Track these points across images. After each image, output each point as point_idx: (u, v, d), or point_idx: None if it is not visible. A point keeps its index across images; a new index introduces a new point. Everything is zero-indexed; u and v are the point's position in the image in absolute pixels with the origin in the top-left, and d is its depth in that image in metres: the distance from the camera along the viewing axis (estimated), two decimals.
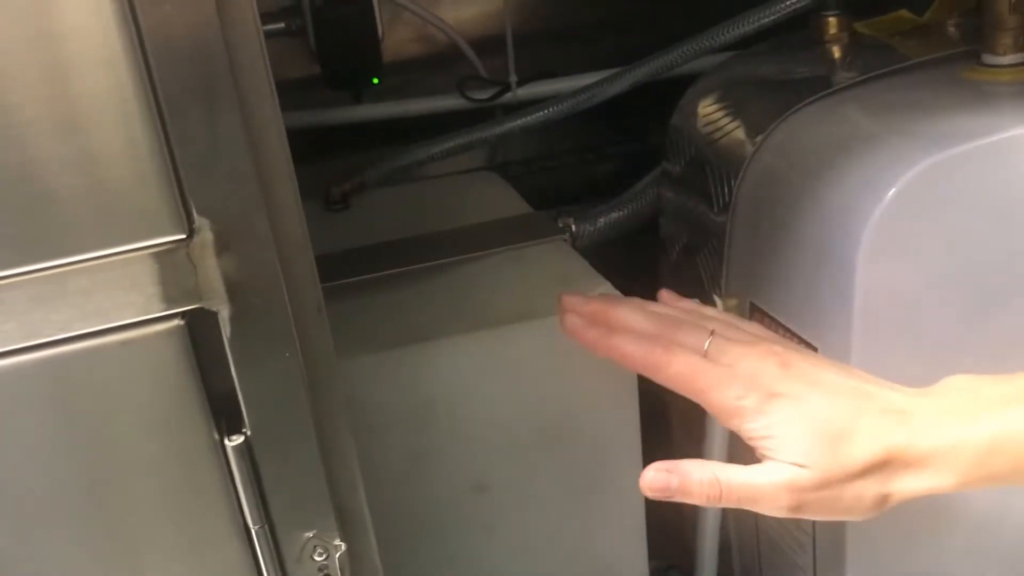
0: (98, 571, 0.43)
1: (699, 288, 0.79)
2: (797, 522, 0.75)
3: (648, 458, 0.71)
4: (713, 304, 0.70)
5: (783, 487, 0.50)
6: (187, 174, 0.38)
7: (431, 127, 0.99)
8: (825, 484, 0.49)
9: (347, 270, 0.70)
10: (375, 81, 1.00)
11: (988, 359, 0.67)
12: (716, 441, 0.70)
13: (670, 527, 0.96)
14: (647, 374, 0.54)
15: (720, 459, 0.70)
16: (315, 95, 1.01)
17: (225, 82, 0.37)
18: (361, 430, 0.62)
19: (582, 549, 0.71)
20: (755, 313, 0.73)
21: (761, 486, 0.50)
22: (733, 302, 0.70)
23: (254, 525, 0.43)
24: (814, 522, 0.73)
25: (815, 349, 0.67)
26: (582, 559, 0.71)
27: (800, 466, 0.49)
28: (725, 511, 0.86)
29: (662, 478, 0.53)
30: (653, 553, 1.10)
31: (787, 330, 0.70)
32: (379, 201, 0.87)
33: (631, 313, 0.56)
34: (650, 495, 0.54)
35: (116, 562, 0.43)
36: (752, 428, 0.50)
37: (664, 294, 0.61)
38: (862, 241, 0.61)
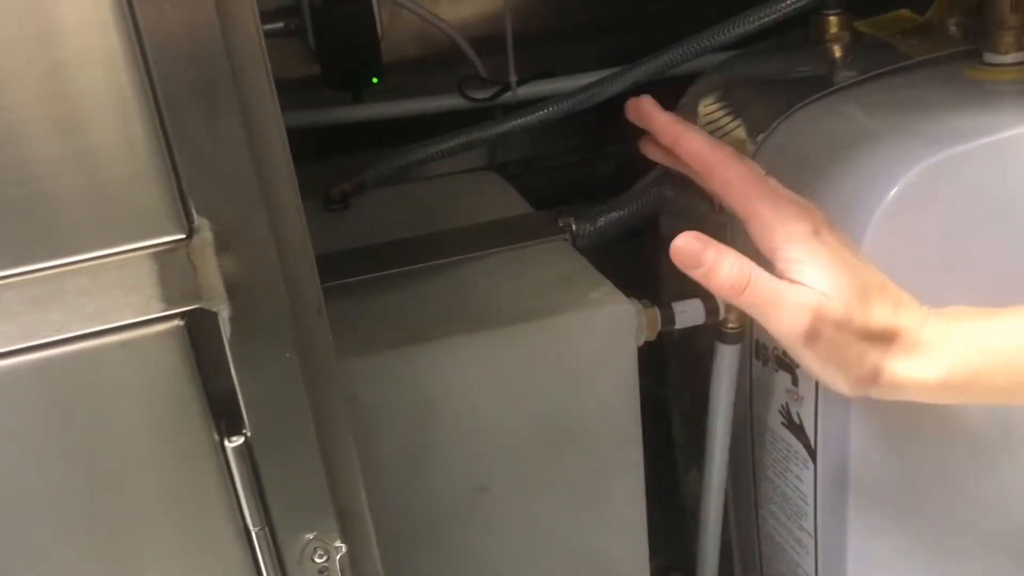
0: (97, 573, 0.43)
1: (700, 287, 0.79)
2: (799, 521, 0.74)
3: (649, 459, 0.71)
4: (715, 303, 0.70)
5: (810, 308, 0.51)
6: (186, 174, 0.38)
7: (431, 127, 0.98)
8: (844, 325, 0.51)
9: (347, 270, 0.70)
10: (375, 81, 0.99)
11: None
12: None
13: (671, 527, 0.96)
14: (704, 171, 0.56)
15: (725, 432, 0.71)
16: (314, 95, 1.01)
17: (225, 81, 0.37)
18: (362, 431, 0.61)
19: (583, 549, 0.70)
20: None
21: (789, 297, 0.52)
22: None
23: (254, 527, 0.43)
24: (816, 521, 0.73)
25: None
26: (583, 560, 0.71)
27: (829, 297, 0.51)
28: (727, 511, 0.86)
29: (696, 247, 0.53)
30: (653, 553, 1.10)
31: None
32: (379, 201, 0.87)
33: (697, 128, 0.59)
34: (677, 260, 0.54)
35: (115, 563, 0.43)
36: (794, 250, 0.52)
37: None
38: (864, 240, 0.61)
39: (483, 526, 0.67)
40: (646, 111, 0.58)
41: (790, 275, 0.52)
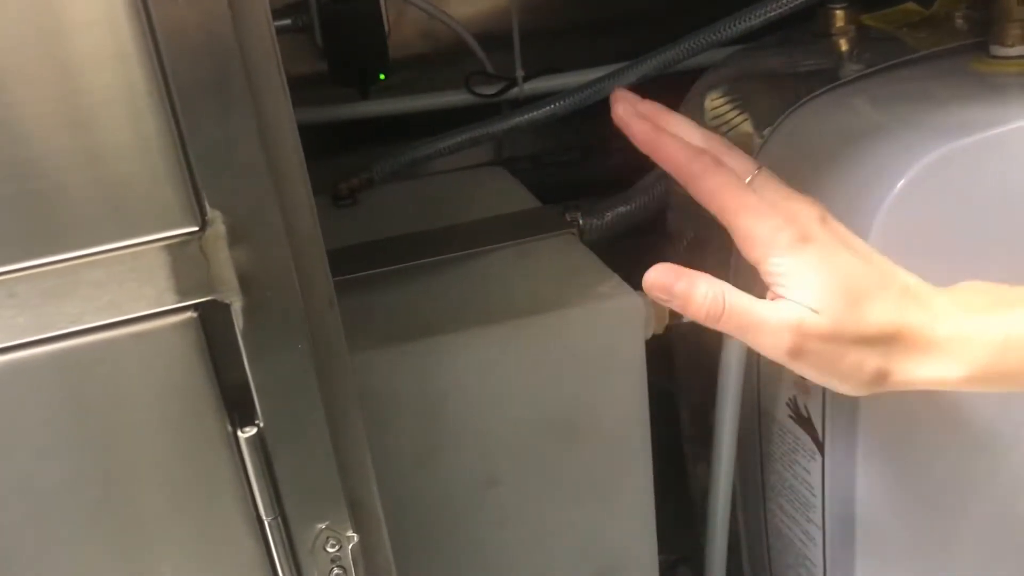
0: (111, 563, 0.43)
1: None
2: (807, 514, 0.75)
3: (655, 453, 0.71)
4: None
5: (790, 326, 0.49)
6: (200, 167, 0.38)
7: (438, 123, 0.99)
8: (832, 337, 0.49)
9: (356, 265, 0.70)
10: (382, 77, 1.00)
11: None
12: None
13: (678, 521, 0.96)
14: (684, 181, 0.52)
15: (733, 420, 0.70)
16: (321, 91, 1.01)
17: (237, 76, 0.37)
18: (373, 424, 0.62)
19: (593, 543, 0.71)
20: None
21: (768, 319, 0.49)
22: None
23: (267, 516, 0.43)
24: (824, 513, 0.73)
25: None
26: (593, 553, 0.71)
27: (814, 311, 0.49)
28: (734, 504, 0.86)
29: (668, 278, 0.52)
30: (661, 547, 1.10)
31: None
32: (387, 197, 0.87)
33: (683, 123, 0.54)
34: (651, 293, 0.52)
35: (130, 553, 0.43)
36: (777, 263, 0.50)
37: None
38: (871, 233, 0.61)
39: (493, 519, 0.67)
40: (622, 119, 0.53)
41: (775, 289, 0.50)
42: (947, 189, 0.62)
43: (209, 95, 0.37)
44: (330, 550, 0.45)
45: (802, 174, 0.69)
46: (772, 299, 0.50)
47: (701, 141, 0.53)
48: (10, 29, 0.35)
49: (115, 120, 0.37)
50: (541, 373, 0.64)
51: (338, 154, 0.99)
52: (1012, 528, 0.73)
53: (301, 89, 1.02)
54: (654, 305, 0.66)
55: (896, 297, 0.50)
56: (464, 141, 0.93)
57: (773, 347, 0.50)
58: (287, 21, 0.97)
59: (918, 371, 0.50)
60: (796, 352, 0.49)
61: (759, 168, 0.53)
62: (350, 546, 0.45)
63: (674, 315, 0.68)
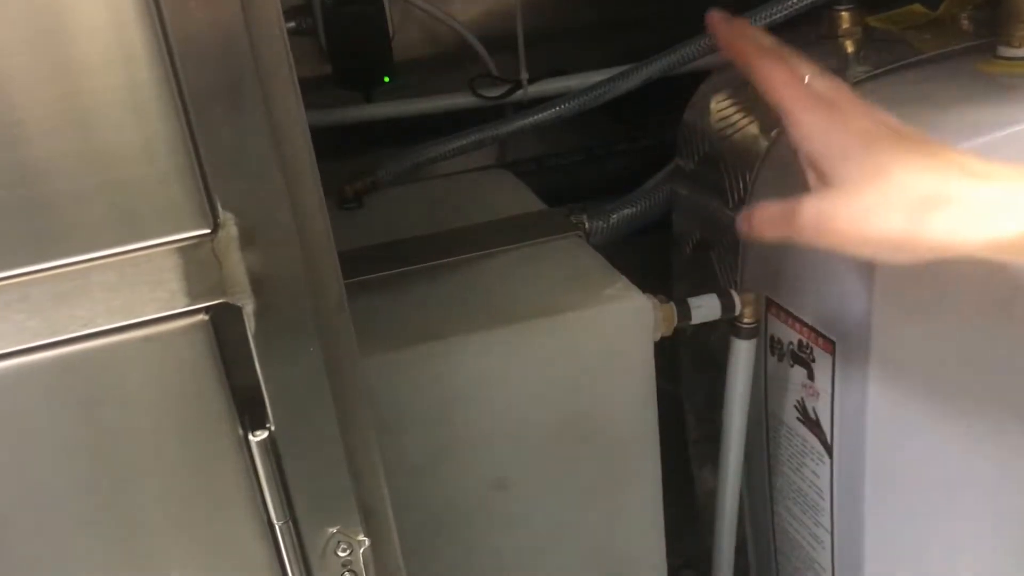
0: (120, 567, 0.43)
1: (713, 284, 0.79)
2: (816, 517, 0.74)
3: (662, 457, 0.71)
4: (730, 298, 0.70)
5: (817, 210, 0.53)
6: (212, 170, 0.38)
7: (443, 125, 0.99)
8: (862, 213, 0.52)
9: (364, 267, 0.70)
10: (386, 80, 1.00)
11: (1010, 347, 0.67)
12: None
13: (683, 525, 0.96)
14: (752, 76, 0.57)
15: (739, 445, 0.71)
16: (326, 95, 1.01)
17: (250, 78, 0.37)
18: (383, 427, 0.62)
19: (601, 544, 0.71)
20: (771, 308, 0.73)
21: (798, 214, 0.54)
22: (750, 297, 0.70)
23: (278, 521, 0.43)
24: (832, 516, 0.73)
25: (833, 344, 0.67)
26: (601, 554, 0.71)
27: (839, 193, 0.53)
28: (741, 507, 0.86)
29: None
30: (668, 552, 1.10)
31: (805, 325, 0.69)
32: (392, 199, 0.87)
33: (759, 33, 0.60)
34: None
35: (139, 558, 0.43)
36: (821, 147, 0.54)
37: None
38: None
39: (502, 521, 0.67)
40: (712, 21, 0.60)
41: (822, 167, 0.54)
42: None
43: (221, 97, 0.37)
44: (341, 554, 0.45)
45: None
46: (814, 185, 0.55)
47: (771, 45, 0.59)
48: (15, 33, 0.34)
49: (125, 122, 0.36)
50: (549, 375, 0.64)
51: (344, 157, 0.98)
52: (1020, 529, 0.73)
53: (306, 92, 1.03)
54: (661, 308, 0.66)
55: (945, 164, 0.52)
56: (469, 144, 0.93)
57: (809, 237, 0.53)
58: (291, 24, 0.97)
59: (944, 232, 0.51)
60: (825, 233, 0.53)
61: (820, 72, 0.57)
62: (361, 550, 0.45)
63: (682, 317, 0.68)
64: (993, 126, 0.62)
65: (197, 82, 0.36)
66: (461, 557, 0.67)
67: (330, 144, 1.01)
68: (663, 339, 0.68)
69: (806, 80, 0.56)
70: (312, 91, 1.01)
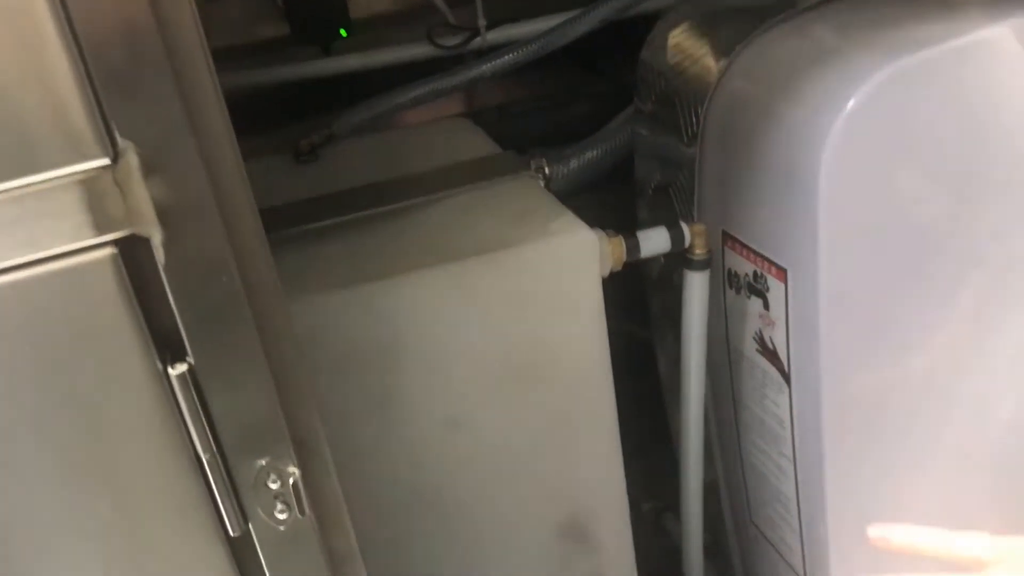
0: (44, 503, 0.43)
1: (673, 221, 0.78)
2: (779, 447, 0.74)
3: (639, 403, 0.71)
4: (680, 231, 0.69)
5: None
6: (107, 98, 0.37)
7: (405, 80, 0.98)
8: None
9: (311, 216, 0.70)
10: (343, 34, 0.99)
11: (959, 269, 0.67)
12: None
13: (663, 470, 0.96)
14: None
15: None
16: (286, 54, 1.00)
17: (142, 7, 0.36)
18: (329, 368, 0.62)
19: (559, 486, 0.70)
20: (728, 241, 0.72)
21: None
22: (699, 228, 0.69)
23: (204, 454, 0.43)
24: (794, 445, 0.72)
25: (785, 272, 0.67)
26: (559, 493, 0.71)
27: None
28: (712, 447, 0.86)
29: None
30: (647, 496, 1.10)
31: (758, 255, 0.69)
32: (350, 151, 0.87)
33: None
34: None
35: (63, 493, 0.43)
36: None
37: None
38: (823, 157, 0.61)
39: (456, 461, 0.67)
40: None
41: None
42: (901, 108, 0.61)
43: (112, 19, 0.36)
44: (272, 486, 0.45)
45: (758, 103, 0.68)
46: None
47: None
48: None
49: (11, 51, 0.36)
50: (496, 313, 0.63)
51: (309, 117, 0.98)
52: (979, 448, 0.73)
53: (266, 52, 1.02)
54: (609, 240, 0.66)
55: None
56: (425, 93, 0.92)
57: None
58: None
59: None
60: None
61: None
62: (290, 481, 0.45)
63: (631, 250, 0.68)
64: (937, 40, 0.61)
65: (88, 4, 0.36)
66: (415, 497, 0.67)
67: (296, 104, 1.01)
68: (634, 286, 0.67)
69: None
70: (272, 50, 1.00)
